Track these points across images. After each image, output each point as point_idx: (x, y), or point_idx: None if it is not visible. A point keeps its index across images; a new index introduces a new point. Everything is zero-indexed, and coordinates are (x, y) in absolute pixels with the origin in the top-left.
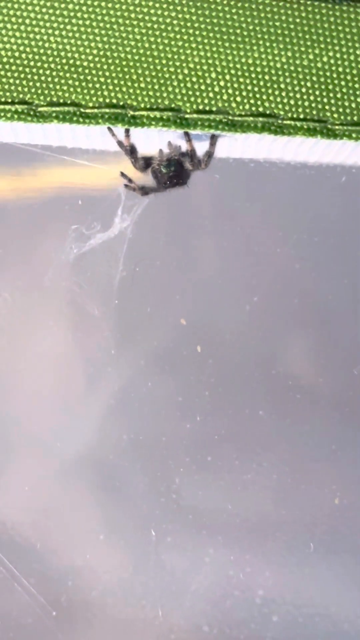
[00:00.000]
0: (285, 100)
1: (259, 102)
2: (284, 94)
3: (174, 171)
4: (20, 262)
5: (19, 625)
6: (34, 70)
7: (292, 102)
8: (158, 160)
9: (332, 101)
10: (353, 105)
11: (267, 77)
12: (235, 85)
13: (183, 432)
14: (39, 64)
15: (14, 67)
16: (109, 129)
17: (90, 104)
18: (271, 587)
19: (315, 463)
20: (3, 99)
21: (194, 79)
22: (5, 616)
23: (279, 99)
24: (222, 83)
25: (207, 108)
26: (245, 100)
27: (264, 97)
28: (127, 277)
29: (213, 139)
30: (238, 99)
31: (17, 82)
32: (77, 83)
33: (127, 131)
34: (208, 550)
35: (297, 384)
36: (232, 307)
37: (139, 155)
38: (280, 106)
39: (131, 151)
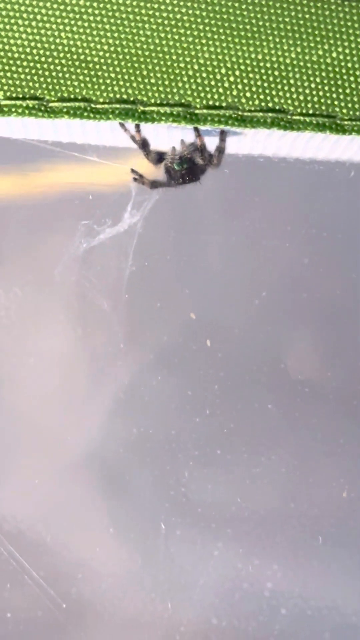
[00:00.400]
0: (294, 96)
1: (268, 98)
2: (293, 89)
3: (187, 168)
4: (30, 257)
5: (29, 617)
6: (45, 65)
7: (301, 97)
8: (171, 157)
9: (341, 97)
10: None
11: (276, 73)
12: (245, 81)
13: (192, 425)
14: (49, 60)
15: (25, 63)
16: (121, 124)
17: (101, 100)
18: (279, 580)
19: (323, 456)
20: (14, 95)
21: (204, 75)
22: (16, 609)
23: (288, 95)
24: (231, 79)
25: (217, 103)
26: (255, 96)
27: (274, 92)
28: (136, 272)
29: (222, 134)
30: (248, 94)
31: (28, 77)
32: (87, 79)
33: (137, 126)
34: (217, 544)
35: (306, 378)
36: (241, 301)
37: (151, 148)
38: (289, 101)
39: (143, 144)
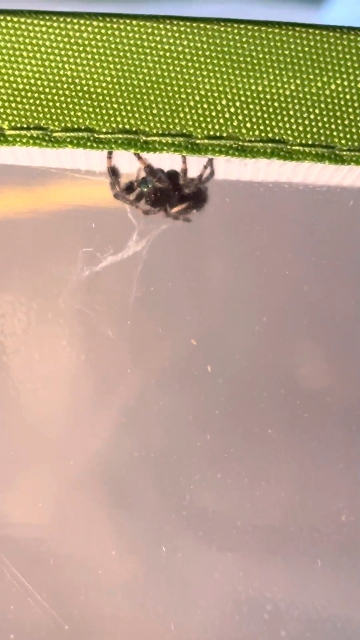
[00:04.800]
0: (294, 127)
1: (268, 128)
2: (292, 120)
3: (153, 188)
4: (35, 284)
5: (32, 638)
6: (49, 96)
7: (300, 128)
8: (135, 180)
9: (340, 127)
10: None
11: (276, 104)
12: (246, 112)
13: (193, 449)
14: (54, 91)
15: (29, 94)
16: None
17: (104, 130)
18: (279, 603)
19: (322, 481)
20: (19, 125)
21: (205, 106)
22: (18, 630)
23: (287, 125)
24: (232, 110)
25: (218, 134)
26: (255, 127)
27: (273, 123)
28: (140, 299)
29: (208, 160)
30: (248, 125)
31: (33, 108)
32: (91, 109)
33: (109, 153)
34: (217, 566)
35: (305, 403)
36: (242, 327)
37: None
38: (289, 132)
39: (113, 173)
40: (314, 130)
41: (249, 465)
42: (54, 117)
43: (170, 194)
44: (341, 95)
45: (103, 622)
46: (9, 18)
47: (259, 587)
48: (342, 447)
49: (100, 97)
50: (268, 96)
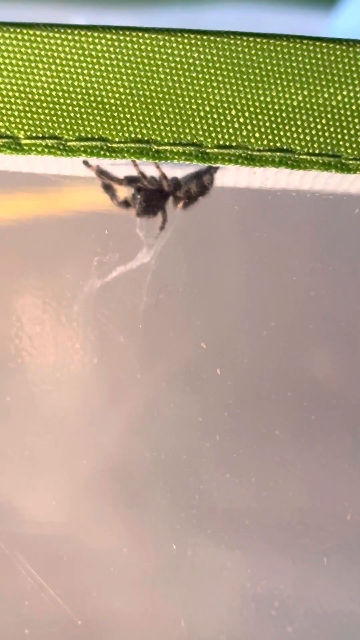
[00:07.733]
0: (301, 136)
1: (276, 138)
2: (300, 130)
3: (141, 197)
4: (48, 289)
5: (46, 633)
6: (64, 107)
7: (308, 137)
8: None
9: (346, 137)
10: None
11: (284, 115)
12: (254, 122)
13: (203, 450)
14: (68, 101)
15: (44, 104)
16: (85, 162)
17: (117, 139)
18: (286, 599)
19: (328, 481)
20: (34, 134)
21: (215, 116)
22: (33, 625)
23: (295, 135)
24: (241, 120)
25: (228, 143)
26: (264, 136)
27: (282, 133)
28: (150, 304)
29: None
30: (257, 134)
31: (48, 118)
32: (104, 119)
33: (85, 162)
34: (226, 564)
35: (312, 406)
36: (250, 331)
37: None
38: (296, 142)
39: (107, 188)
40: (321, 139)
41: (257, 466)
42: (68, 127)
43: (158, 198)
44: (347, 106)
45: (115, 618)
46: (24, 31)
47: (267, 585)
48: (347, 448)
49: (114, 108)
50: (276, 107)
